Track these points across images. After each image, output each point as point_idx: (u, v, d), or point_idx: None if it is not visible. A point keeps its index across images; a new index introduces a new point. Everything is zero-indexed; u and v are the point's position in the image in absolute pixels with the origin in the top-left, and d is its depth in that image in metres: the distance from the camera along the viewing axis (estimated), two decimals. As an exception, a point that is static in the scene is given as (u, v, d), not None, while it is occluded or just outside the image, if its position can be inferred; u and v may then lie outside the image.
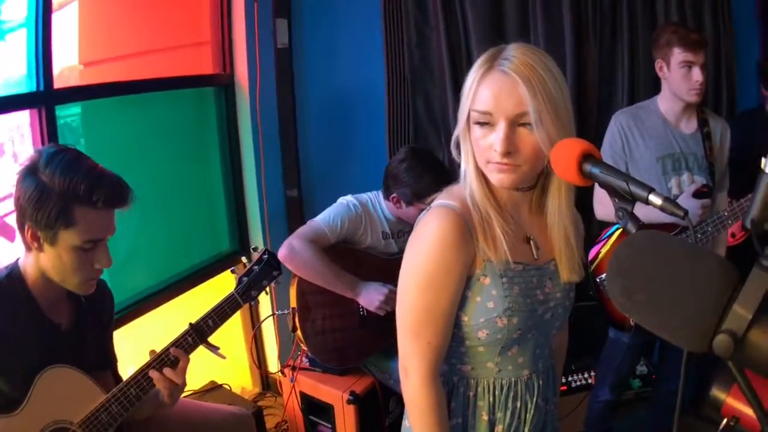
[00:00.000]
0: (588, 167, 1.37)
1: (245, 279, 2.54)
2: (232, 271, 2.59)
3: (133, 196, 2.14)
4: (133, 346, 3.08)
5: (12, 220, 2.85)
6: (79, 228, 2.00)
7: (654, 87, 3.19)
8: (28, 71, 3.00)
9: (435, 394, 1.67)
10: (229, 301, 2.47)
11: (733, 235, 3.52)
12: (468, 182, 1.67)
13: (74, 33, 3.33)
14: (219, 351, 2.46)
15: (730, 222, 3.00)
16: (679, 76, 2.99)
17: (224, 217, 4.34)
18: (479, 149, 1.59)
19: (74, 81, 3.34)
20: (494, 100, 1.53)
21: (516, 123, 1.53)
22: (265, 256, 2.60)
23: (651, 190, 1.24)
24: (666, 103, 3.12)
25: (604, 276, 3.09)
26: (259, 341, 4.59)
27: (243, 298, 2.51)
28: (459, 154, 1.68)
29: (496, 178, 1.59)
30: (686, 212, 1.18)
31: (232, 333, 4.40)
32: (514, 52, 1.55)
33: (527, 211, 1.75)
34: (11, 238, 2.90)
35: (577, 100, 3.74)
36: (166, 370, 2.24)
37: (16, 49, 2.97)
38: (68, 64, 3.31)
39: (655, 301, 0.94)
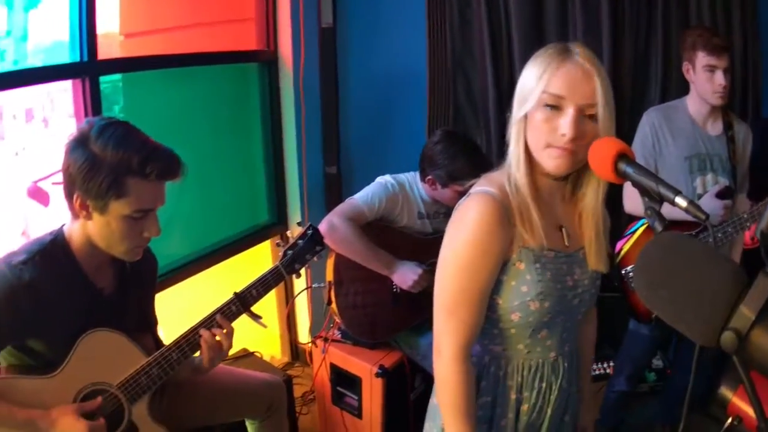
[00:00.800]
0: (622, 166, 1.47)
1: (290, 252, 2.61)
2: (277, 245, 2.66)
3: (185, 168, 2.18)
4: (170, 312, 3.14)
5: (45, 186, 2.93)
6: (131, 199, 2.05)
7: (685, 86, 3.22)
8: (71, 39, 3.03)
9: (465, 373, 1.75)
10: (273, 272, 2.55)
11: (752, 239, 3.56)
12: (513, 166, 1.74)
13: (116, 3, 3.35)
14: (261, 320, 2.55)
15: (748, 224, 3.05)
16: (704, 79, 3.04)
17: (264, 190, 4.40)
18: (541, 132, 1.65)
19: (114, 50, 3.36)
20: (569, 87, 1.61)
21: (582, 113, 1.61)
22: (310, 231, 2.66)
23: (678, 192, 1.33)
24: (694, 104, 3.17)
25: (629, 268, 3.16)
26: (291, 312, 4.68)
27: (287, 270, 2.59)
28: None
29: (553, 163, 1.66)
30: (707, 216, 1.26)
31: (265, 303, 4.37)
32: (582, 49, 1.64)
33: (560, 200, 1.83)
34: (45, 203, 2.96)
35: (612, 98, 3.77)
36: (216, 330, 2.32)
37: (49, 15, 2.99)
38: (108, 32, 3.32)
39: (675, 297, 1.04)
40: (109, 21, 3.31)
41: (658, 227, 1.36)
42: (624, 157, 1.48)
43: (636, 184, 1.43)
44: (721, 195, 3.07)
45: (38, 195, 2.97)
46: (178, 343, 2.30)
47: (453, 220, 1.79)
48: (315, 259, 2.70)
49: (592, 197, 1.81)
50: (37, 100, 3.03)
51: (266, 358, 4.32)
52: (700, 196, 3.11)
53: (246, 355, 3.90)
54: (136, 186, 2.04)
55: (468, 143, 3.25)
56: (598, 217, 1.84)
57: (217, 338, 2.34)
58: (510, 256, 1.74)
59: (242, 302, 2.44)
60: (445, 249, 1.78)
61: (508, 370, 1.87)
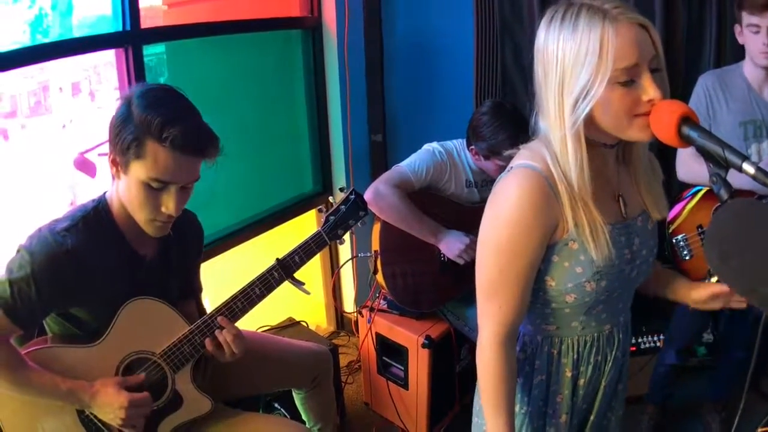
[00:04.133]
0: (686, 130, 1.39)
1: (332, 218, 2.59)
2: (320, 210, 2.64)
3: (221, 149, 2.09)
4: (217, 280, 3.16)
5: (92, 157, 2.95)
6: (147, 163, 1.96)
7: (741, 50, 3.10)
8: (114, 11, 3.02)
9: (502, 357, 1.68)
10: (315, 238, 2.52)
11: None
12: (570, 164, 1.56)
13: None
14: (304, 286, 2.51)
15: None
16: (749, 40, 2.91)
17: (309, 159, 4.39)
18: (621, 110, 1.50)
19: (157, 21, 3.37)
20: (637, 50, 1.46)
21: (649, 69, 1.48)
22: (352, 197, 2.63)
23: (745, 158, 1.26)
24: (749, 68, 3.04)
25: (680, 237, 3.07)
26: (337, 282, 4.68)
27: (329, 236, 2.56)
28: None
29: (647, 132, 1.51)
30: None
31: (310, 273, 4.48)
32: (617, 2, 1.50)
33: (613, 166, 1.72)
34: (93, 174, 2.98)
35: (665, 60, 3.66)
36: (219, 334, 2.26)
37: None
38: (150, 3, 3.34)
39: (748, 267, 0.97)
40: None
41: (724, 195, 1.29)
42: (688, 120, 1.41)
43: (701, 149, 1.36)
44: None
45: (85, 166, 3.00)
46: (219, 311, 2.29)
47: (493, 196, 1.66)
48: (358, 224, 2.67)
49: (643, 154, 1.74)
50: (83, 73, 3.05)
51: (312, 327, 4.32)
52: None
53: (292, 324, 3.92)
54: (154, 150, 1.96)
55: (515, 117, 3.14)
56: (650, 170, 1.78)
57: (223, 341, 2.28)
58: (562, 235, 1.62)
59: (284, 269, 2.41)
60: (485, 227, 1.66)
61: (562, 348, 1.81)
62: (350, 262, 4.32)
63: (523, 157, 1.66)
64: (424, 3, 4.13)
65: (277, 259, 2.43)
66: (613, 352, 1.84)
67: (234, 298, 2.31)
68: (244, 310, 2.33)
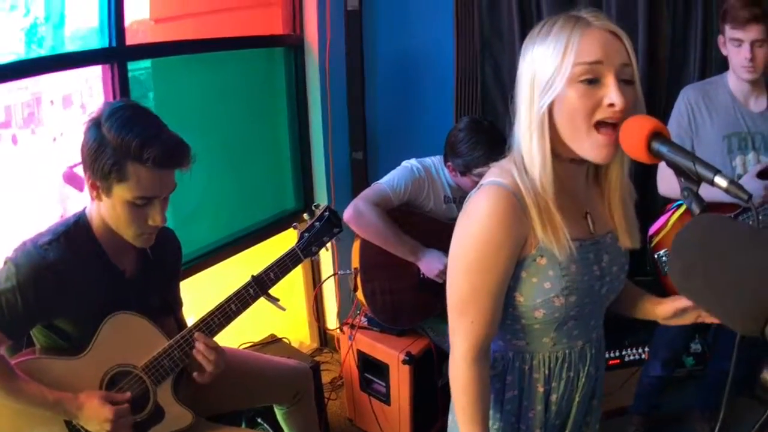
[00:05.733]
0: (656, 146, 1.39)
1: (306, 235, 2.59)
2: (294, 227, 2.63)
3: (193, 157, 2.15)
4: (195, 297, 3.15)
5: (80, 171, 2.99)
6: (131, 184, 2.02)
7: (726, 62, 3.12)
8: (100, 26, 3.04)
9: (476, 373, 1.68)
10: (290, 255, 2.53)
11: None
12: (536, 167, 1.57)
13: None
14: (279, 302, 2.52)
15: None
16: (731, 53, 2.92)
17: (290, 176, 4.39)
18: (580, 112, 1.48)
19: (145, 36, 3.38)
20: (602, 49, 1.46)
21: (618, 78, 1.47)
22: (327, 213, 2.64)
23: (717, 171, 1.25)
24: (734, 79, 3.03)
25: (662, 252, 3.08)
26: (319, 298, 4.67)
27: (304, 253, 2.56)
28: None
29: (602, 153, 1.51)
30: (750, 196, 1.19)
31: (293, 289, 4.48)
32: (591, 12, 1.52)
33: (583, 183, 1.72)
34: (81, 188, 2.98)
35: (647, 73, 3.68)
36: (199, 345, 2.28)
37: (86, 1, 3.00)
38: (139, 18, 3.34)
39: (712, 284, 0.97)
40: (141, 8, 3.35)
41: (696, 209, 1.29)
42: (659, 135, 1.40)
43: (671, 164, 1.36)
44: (763, 175, 2.93)
45: (73, 180, 3.02)
46: (197, 326, 2.31)
47: (463, 214, 1.66)
48: (334, 243, 2.68)
49: (619, 175, 1.71)
50: (75, 86, 3.07)
51: (294, 344, 4.28)
52: (739, 177, 2.98)
53: (274, 341, 3.89)
54: (136, 171, 2.01)
55: (492, 134, 3.15)
56: (625, 191, 1.75)
57: (201, 356, 2.30)
58: (530, 251, 1.62)
59: (260, 285, 2.43)
60: (455, 245, 1.66)
61: (533, 363, 1.80)
62: (332, 278, 4.30)
63: (493, 175, 1.66)
64: (405, 21, 4.16)
65: (253, 275, 2.44)
66: (586, 368, 1.84)
67: (211, 314, 2.33)
68: (221, 326, 2.35)
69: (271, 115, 4.23)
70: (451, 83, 4.03)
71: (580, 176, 1.70)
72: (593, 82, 1.47)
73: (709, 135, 3.03)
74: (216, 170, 3.74)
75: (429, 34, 4.11)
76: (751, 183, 2.90)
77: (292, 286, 4.48)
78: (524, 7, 3.82)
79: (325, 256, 4.30)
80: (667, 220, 3.09)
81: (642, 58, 3.62)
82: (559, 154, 1.59)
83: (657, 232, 3.11)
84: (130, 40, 3.19)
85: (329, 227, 2.63)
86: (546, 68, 1.51)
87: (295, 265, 2.54)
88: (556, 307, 1.66)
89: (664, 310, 1.90)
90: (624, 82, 1.49)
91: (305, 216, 2.66)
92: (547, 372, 1.81)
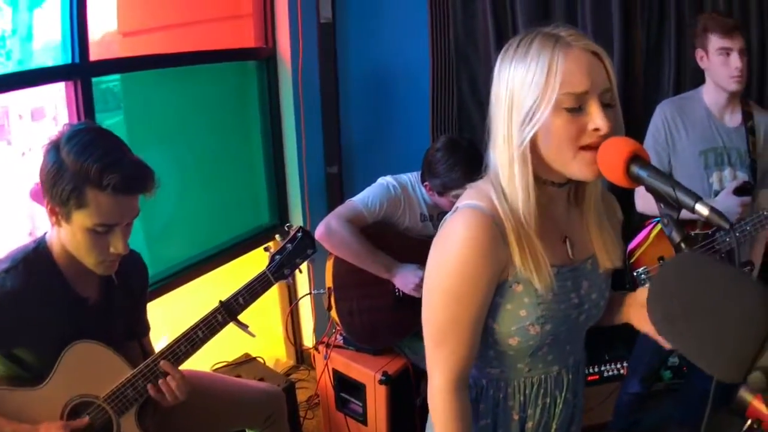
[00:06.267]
0: (636, 169, 1.33)
1: (278, 257, 2.51)
2: (266, 249, 2.56)
3: (156, 182, 2.10)
4: (172, 316, 3.12)
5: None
6: (91, 211, 1.98)
7: (701, 77, 3.08)
8: (63, 42, 3.00)
9: (457, 405, 1.61)
10: (260, 279, 2.46)
11: None
12: (518, 196, 1.51)
13: (114, 1, 3.33)
14: (249, 329, 2.46)
15: None
16: (718, 64, 2.88)
17: (264, 191, 4.35)
18: (565, 138, 1.43)
19: (116, 48, 3.34)
20: (588, 78, 1.41)
21: (601, 102, 1.42)
22: (299, 234, 2.55)
23: (698, 198, 1.20)
24: (710, 94, 3.01)
25: (641, 270, 3.03)
26: (296, 315, 4.62)
27: (275, 276, 2.49)
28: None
29: (591, 170, 1.43)
30: (732, 225, 1.13)
31: (269, 306, 4.44)
32: (569, 30, 1.46)
33: (563, 207, 1.65)
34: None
35: (623, 88, 3.64)
36: (162, 381, 2.22)
37: (54, 14, 2.97)
38: (110, 30, 3.32)
39: (694, 329, 0.91)
40: (109, 20, 3.31)
41: (676, 237, 1.24)
42: (638, 158, 1.34)
43: (650, 189, 1.30)
44: (739, 191, 2.91)
45: (39, 197, 2.95)
46: (162, 354, 2.25)
47: (438, 238, 1.59)
48: (309, 262, 2.60)
49: (593, 193, 1.65)
50: (48, 98, 3.05)
51: (271, 361, 4.32)
52: (716, 193, 2.97)
53: (247, 361, 3.87)
54: (96, 198, 1.96)
55: (470, 154, 3.08)
56: (602, 214, 1.69)
57: (165, 386, 2.23)
58: (506, 277, 1.55)
59: (228, 311, 2.36)
60: (430, 273, 1.59)
61: (508, 391, 1.73)
62: (308, 296, 4.27)
63: (469, 197, 1.59)
64: (379, 33, 4.11)
65: (221, 301, 2.37)
66: (563, 394, 1.77)
67: (177, 342, 2.27)
68: (187, 354, 2.29)
69: (244, 130, 4.20)
70: (426, 94, 3.99)
71: (560, 200, 1.64)
72: (577, 111, 1.42)
73: (686, 150, 3.01)
74: (189, 186, 3.71)
75: (403, 45, 4.08)
76: (727, 200, 2.88)
77: (268, 302, 4.43)
78: (499, 16, 3.79)
79: (301, 274, 4.28)
80: (647, 236, 3.06)
81: (618, 72, 3.58)
82: (541, 178, 1.54)
83: (636, 249, 3.06)
84: (103, 53, 3.16)
85: (302, 249, 2.56)
86: (527, 95, 1.44)
87: (265, 290, 2.47)
88: (531, 336, 1.59)
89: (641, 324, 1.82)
90: (605, 106, 1.43)
91: (277, 237, 2.58)
92: (522, 399, 1.74)
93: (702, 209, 1.18)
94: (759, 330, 0.87)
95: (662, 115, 3.06)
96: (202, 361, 3.59)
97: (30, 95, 2.96)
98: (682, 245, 1.24)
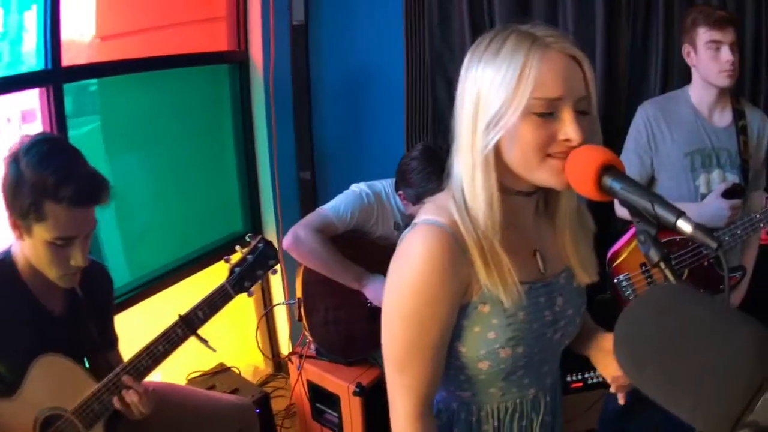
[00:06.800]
0: (608, 181, 1.23)
1: (237, 269, 2.43)
2: (225, 260, 2.47)
3: (111, 193, 2.11)
4: (147, 324, 3.05)
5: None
6: (50, 224, 1.99)
7: (689, 76, 2.98)
8: (37, 48, 2.99)
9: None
10: (219, 292, 2.39)
11: (767, 232, 3.33)
12: (481, 207, 1.41)
13: (92, 5, 3.34)
14: (208, 343, 2.41)
15: (762, 225, 2.78)
16: (707, 58, 2.76)
17: (237, 197, 4.30)
18: (533, 145, 1.33)
19: (93, 52, 3.36)
20: (564, 83, 1.31)
21: (575, 109, 1.32)
22: (261, 245, 2.46)
23: (680, 214, 1.11)
24: (697, 92, 2.90)
25: (622, 277, 2.96)
26: (272, 323, 4.57)
27: (235, 289, 2.41)
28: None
29: (560, 178, 1.34)
30: (720, 244, 1.05)
31: (247, 314, 4.38)
32: (548, 29, 1.36)
33: (531, 218, 1.55)
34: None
35: (606, 88, 3.56)
36: (125, 394, 2.20)
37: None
38: (84, 36, 3.33)
39: (669, 376, 0.79)
40: (87, 24, 3.34)
41: (655, 257, 1.14)
42: (610, 169, 1.24)
43: (626, 204, 1.21)
44: (729, 194, 2.81)
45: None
46: (125, 369, 2.22)
47: (395, 258, 1.48)
48: (270, 274, 2.52)
49: (568, 202, 1.55)
50: (38, 101, 3.05)
51: (249, 369, 4.27)
52: (703, 196, 2.87)
53: (222, 371, 3.83)
54: (54, 211, 1.98)
55: (446, 164, 3.01)
56: (578, 222, 1.59)
57: (129, 400, 2.21)
58: (471, 297, 1.45)
59: (188, 325, 2.32)
60: (388, 294, 1.48)
61: (481, 415, 1.63)
62: (281, 305, 4.23)
63: (427, 212, 1.49)
64: (353, 35, 4.04)
65: (180, 315, 2.33)
66: (540, 417, 1.67)
67: (138, 356, 2.24)
68: (149, 368, 2.26)
69: (217, 135, 4.15)
70: (401, 98, 3.91)
71: (528, 210, 1.53)
72: (548, 116, 1.32)
73: (670, 153, 2.90)
74: (164, 192, 3.72)
75: (378, 48, 4.00)
76: (715, 203, 2.79)
77: (246, 310, 4.36)
78: (476, 18, 3.69)
79: (276, 282, 4.21)
80: (628, 242, 2.96)
81: (601, 72, 3.51)
82: (507, 186, 1.43)
83: (617, 255, 2.98)
84: (77, 58, 3.18)
85: (264, 260, 2.47)
86: (495, 96, 1.34)
87: (225, 303, 2.40)
88: (502, 359, 1.48)
89: (611, 372, 1.73)
90: (580, 113, 1.34)
91: (237, 248, 2.50)
92: (496, 424, 1.63)
93: (685, 226, 1.09)
94: (749, 378, 0.75)
95: (644, 116, 2.96)
96: (178, 371, 3.58)
97: (19, 98, 3.00)
98: (662, 266, 1.15)
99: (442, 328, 1.44)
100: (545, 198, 1.58)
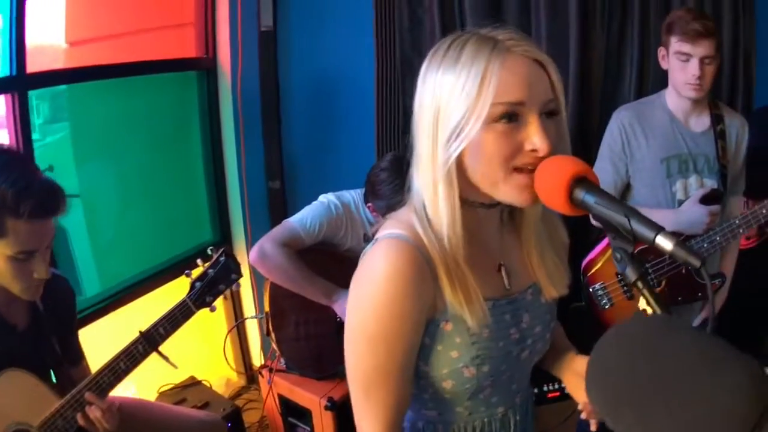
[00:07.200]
0: (581, 194, 1.15)
1: (198, 284, 2.38)
2: (186, 275, 2.41)
3: (67, 203, 2.09)
4: (117, 336, 3.02)
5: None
6: (10, 239, 1.97)
7: (665, 81, 2.91)
8: (2, 54, 2.97)
9: None
10: (181, 307, 2.35)
11: (747, 237, 3.28)
12: (443, 222, 1.33)
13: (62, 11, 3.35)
14: (170, 360, 2.38)
15: (742, 231, 2.72)
16: (675, 68, 2.71)
17: (206, 207, 4.23)
18: (497, 156, 1.25)
19: (62, 58, 3.37)
20: (527, 88, 1.23)
21: (541, 114, 1.25)
22: (222, 259, 2.41)
23: (659, 229, 1.03)
24: (673, 97, 2.84)
25: (598, 286, 2.90)
26: (243, 335, 4.51)
27: (196, 304, 2.36)
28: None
29: (525, 195, 1.27)
30: (703, 262, 0.98)
31: (219, 326, 4.31)
32: (509, 32, 1.28)
33: (496, 230, 1.48)
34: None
35: (579, 93, 3.51)
36: (90, 411, 2.18)
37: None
38: (57, 39, 3.34)
39: (646, 421, 0.73)
40: (56, 30, 3.34)
41: (632, 276, 1.07)
42: (583, 181, 1.16)
43: (600, 219, 1.13)
44: (707, 199, 2.76)
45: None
46: (87, 385, 2.19)
47: (357, 275, 1.39)
48: (232, 288, 2.47)
49: (535, 214, 1.47)
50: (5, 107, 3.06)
51: (221, 381, 4.23)
52: (681, 202, 2.82)
53: (193, 384, 3.77)
54: (14, 226, 1.96)
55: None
56: (545, 238, 1.52)
57: (93, 417, 2.19)
58: (434, 314, 1.37)
59: (149, 342, 2.29)
60: (351, 312, 1.39)
61: None
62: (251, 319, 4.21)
63: (390, 227, 1.41)
64: (323, 41, 4.00)
65: (141, 331, 2.29)
66: None
67: (100, 373, 2.21)
68: (112, 385, 2.23)
69: (185, 142, 4.09)
70: (372, 104, 3.87)
71: (491, 223, 1.45)
72: (512, 120, 1.24)
73: (646, 159, 2.85)
74: (132, 201, 3.69)
75: (348, 53, 3.95)
76: (693, 209, 2.73)
77: (217, 322, 4.30)
78: (447, 23, 3.64)
79: (247, 294, 4.15)
80: (603, 250, 2.90)
81: (573, 75, 3.46)
82: (468, 199, 1.36)
83: (592, 264, 2.92)
84: (49, 64, 3.19)
85: (226, 274, 2.42)
86: (456, 106, 1.26)
87: (186, 319, 2.36)
88: (467, 378, 1.41)
89: (583, 398, 1.66)
90: (547, 115, 1.26)
91: (199, 261, 2.43)
92: None
93: (664, 243, 1.02)
94: (741, 424, 0.68)
95: (618, 122, 2.89)
96: (150, 384, 3.55)
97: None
98: (639, 285, 1.07)
99: (408, 347, 1.37)
100: (510, 210, 1.50)
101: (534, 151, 1.23)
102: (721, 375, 0.72)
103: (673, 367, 0.73)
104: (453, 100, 1.26)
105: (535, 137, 1.23)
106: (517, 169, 1.26)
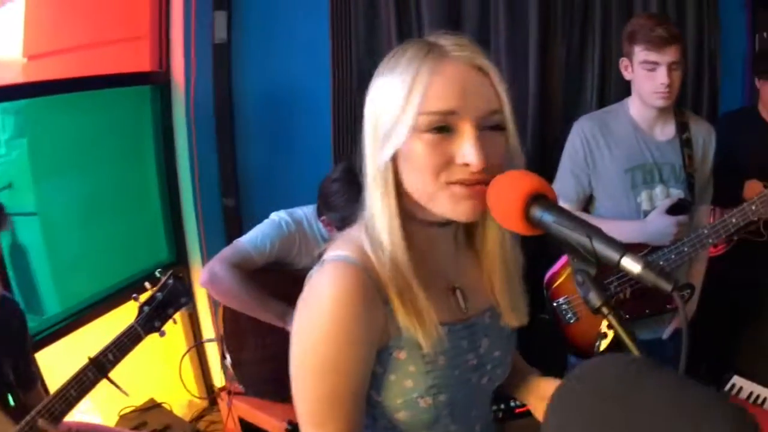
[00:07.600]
0: (538, 213, 1.07)
1: (146, 308, 2.36)
2: (134, 299, 2.35)
3: (8, 218, 2.12)
4: (76, 359, 2.95)
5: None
6: None
7: (628, 89, 2.88)
8: None
9: None
10: (129, 333, 2.32)
11: (714, 245, 3.22)
12: (382, 236, 1.27)
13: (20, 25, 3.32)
14: (122, 388, 2.36)
15: (711, 240, 2.68)
16: (642, 78, 2.65)
17: (161, 225, 4.14)
18: (428, 166, 1.19)
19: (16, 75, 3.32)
20: (461, 96, 1.17)
21: (481, 126, 1.18)
22: (170, 281, 2.37)
23: (624, 251, 0.96)
24: (636, 106, 2.78)
25: (562, 300, 2.83)
26: (203, 356, 4.39)
27: (145, 329, 2.34)
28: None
29: (462, 208, 1.20)
30: (675, 285, 0.92)
31: (178, 347, 4.18)
32: (454, 38, 1.22)
33: (450, 250, 1.40)
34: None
35: (539, 103, 3.46)
36: None
37: None
38: (15, 53, 3.32)
39: None
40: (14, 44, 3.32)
41: (595, 302, 0.99)
42: (540, 198, 1.08)
43: (559, 239, 1.04)
44: (673, 210, 2.70)
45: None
46: (39, 412, 2.17)
47: (302, 300, 1.32)
48: (182, 311, 2.42)
49: (495, 233, 1.38)
50: None
51: (183, 403, 4.12)
52: (646, 213, 2.76)
53: (153, 407, 3.69)
54: None
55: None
56: (506, 256, 1.42)
57: None
58: (386, 341, 1.29)
59: (98, 368, 2.26)
60: (297, 341, 1.31)
61: None
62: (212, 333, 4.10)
63: (337, 247, 1.33)
64: (278, 53, 3.94)
65: (90, 357, 2.26)
66: None
67: (51, 401, 2.20)
68: (64, 412, 2.22)
69: (140, 159, 4.01)
70: (328, 118, 3.81)
71: (444, 242, 1.38)
72: (444, 132, 1.17)
73: (609, 170, 2.79)
74: (88, 219, 3.62)
75: (303, 66, 3.91)
76: (660, 219, 2.68)
77: (176, 343, 4.18)
78: (404, 32, 3.59)
79: (204, 314, 4.05)
80: (566, 264, 2.82)
81: (533, 85, 3.41)
82: (417, 216, 1.28)
83: (555, 277, 2.85)
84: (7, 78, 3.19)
85: (175, 298, 2.39)
86: (388, 110, 1.22)
87: (135, 344, 2.35)
88: (423, 409, 1.32)
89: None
90: (490, 129, 1.19)
91: (147, 285, 2.35)
92: None
93: (631, 265, 0.95)
94: None
95: (580, 132, 2.82)
96: (111, 406, 3.49)
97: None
98: (604, 311, 0.99)
99: (360, 374, 1.28)
100: (467, 229, 1.43)
101: (467, 165, 1.16)
102: (700, 421, 0.64)
103: (650, 424, 0.65)
104: (385, 106, 1.23)
105: (466, 150, 1.16)
106: (452, 184, 1.19)
